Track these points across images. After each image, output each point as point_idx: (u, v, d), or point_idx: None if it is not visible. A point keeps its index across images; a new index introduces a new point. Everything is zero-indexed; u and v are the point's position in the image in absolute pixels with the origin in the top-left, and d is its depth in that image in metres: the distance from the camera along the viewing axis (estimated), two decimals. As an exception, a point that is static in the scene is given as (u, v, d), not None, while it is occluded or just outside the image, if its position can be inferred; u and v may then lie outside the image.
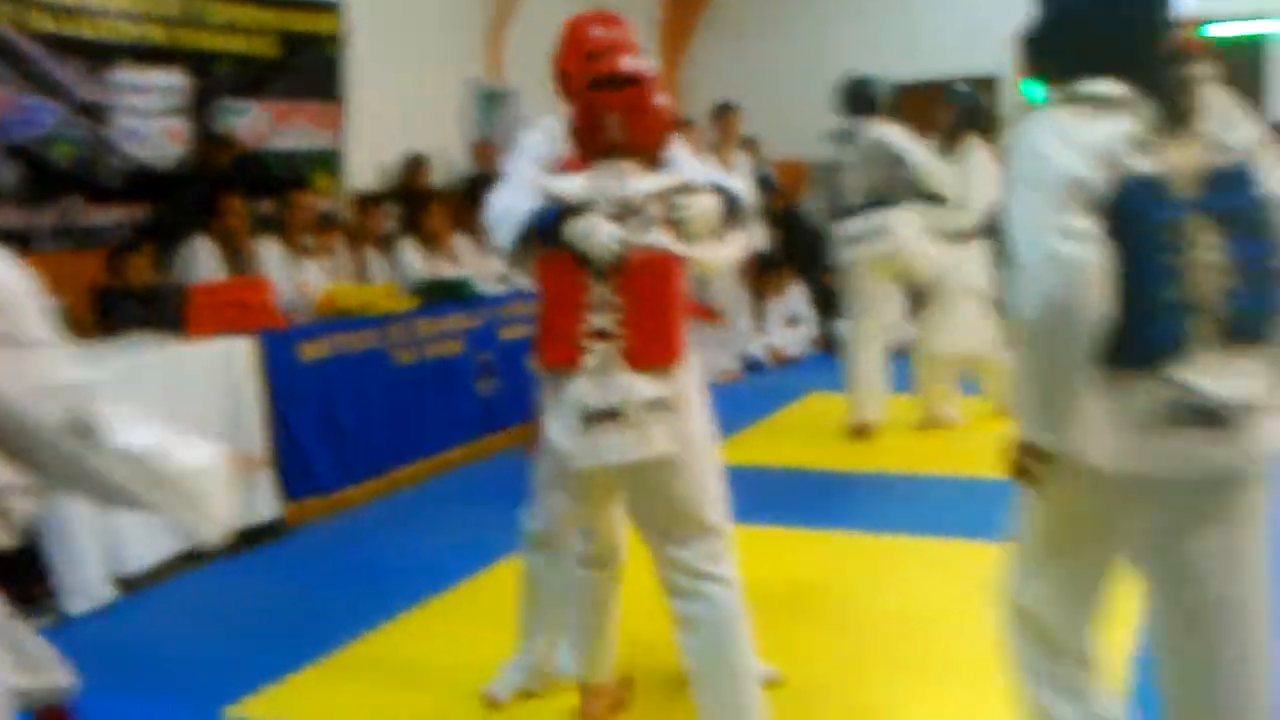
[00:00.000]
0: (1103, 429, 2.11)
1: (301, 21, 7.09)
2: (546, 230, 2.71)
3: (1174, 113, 2.10)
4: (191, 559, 4.65)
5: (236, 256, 5.80)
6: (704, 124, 8.69)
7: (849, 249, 6.32)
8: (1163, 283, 2.05)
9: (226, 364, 5.01)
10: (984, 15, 10.53)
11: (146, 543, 4.52)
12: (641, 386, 2.65)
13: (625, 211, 2.70)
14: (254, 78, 6.83)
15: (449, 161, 8.53)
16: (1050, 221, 2.04)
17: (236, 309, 5.25)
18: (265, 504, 5.07)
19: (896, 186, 6.16)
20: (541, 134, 3.09)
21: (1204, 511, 2.14)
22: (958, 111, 6.50)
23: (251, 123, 6.82)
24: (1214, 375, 2.06)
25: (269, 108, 6.94)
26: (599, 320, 2.68)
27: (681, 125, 8.24)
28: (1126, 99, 2.11)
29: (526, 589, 3.35)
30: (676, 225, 2.72)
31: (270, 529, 5.06)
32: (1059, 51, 2.23)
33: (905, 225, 6.11)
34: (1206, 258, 2.05)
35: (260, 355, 5.13)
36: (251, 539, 4.89)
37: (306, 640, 3.87)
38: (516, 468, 6.02)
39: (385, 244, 6.90)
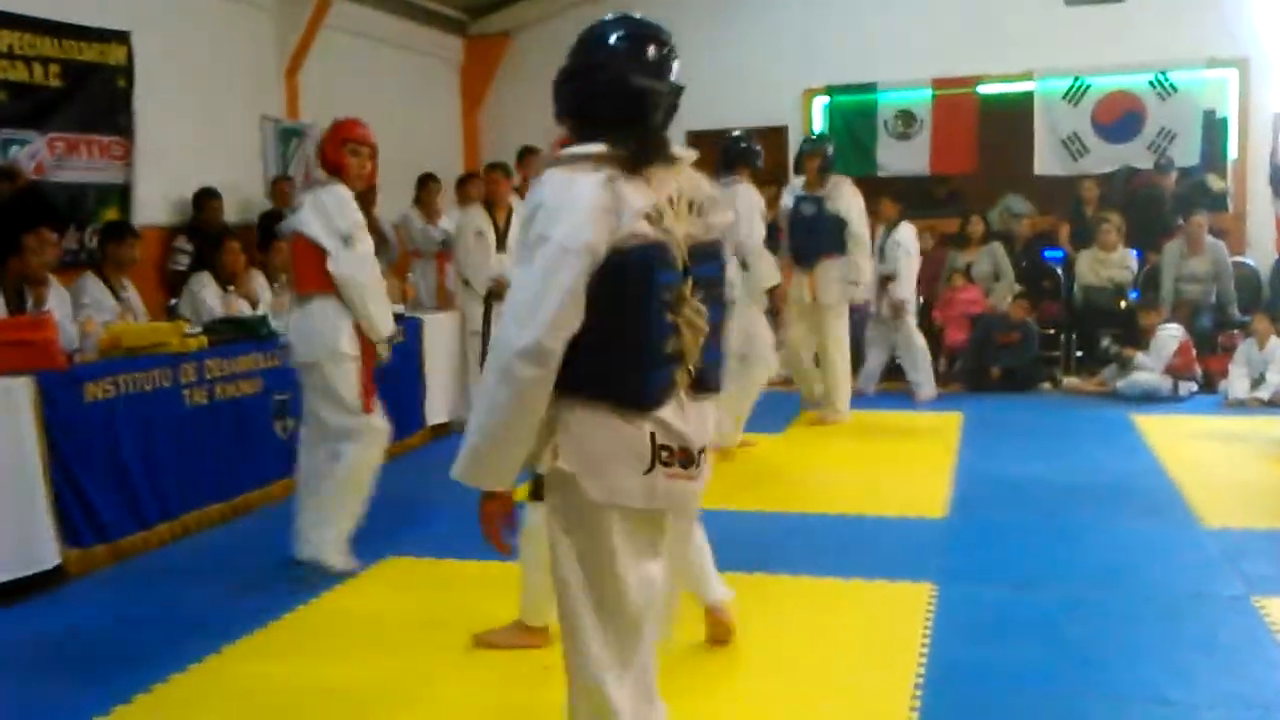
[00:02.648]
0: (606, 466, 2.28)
1: (86, 51, 6.91)
2: None
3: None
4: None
5: (18, 294, 5.56)
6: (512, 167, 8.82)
7: None
8: (668, 337, 2.25)
9: (5, 404, 4.79)
10: (775, 71, 11.09)
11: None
12: None
13: None
14: (36, 108, 6.61)
15: (246, 198, 8.40)
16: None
17: (14, 348, 5.03)
18: (43, 550, 4.83)
19: None
20: None
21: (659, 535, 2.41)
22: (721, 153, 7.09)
23: (33, 154, 6.59)
24: (683, 420, 2.30)
25: (52, 139, 6.72)
26: None
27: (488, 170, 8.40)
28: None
29: None
30: None
31: (48, 577, 4.83)
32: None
33: None
34: (699, 318, 2.29)
35: (39, 395, 4.90)
36: (27, 588, 4.68)
37: (84, 695, 3.70)
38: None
39: (179, 281, 6.74)
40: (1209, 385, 8.93)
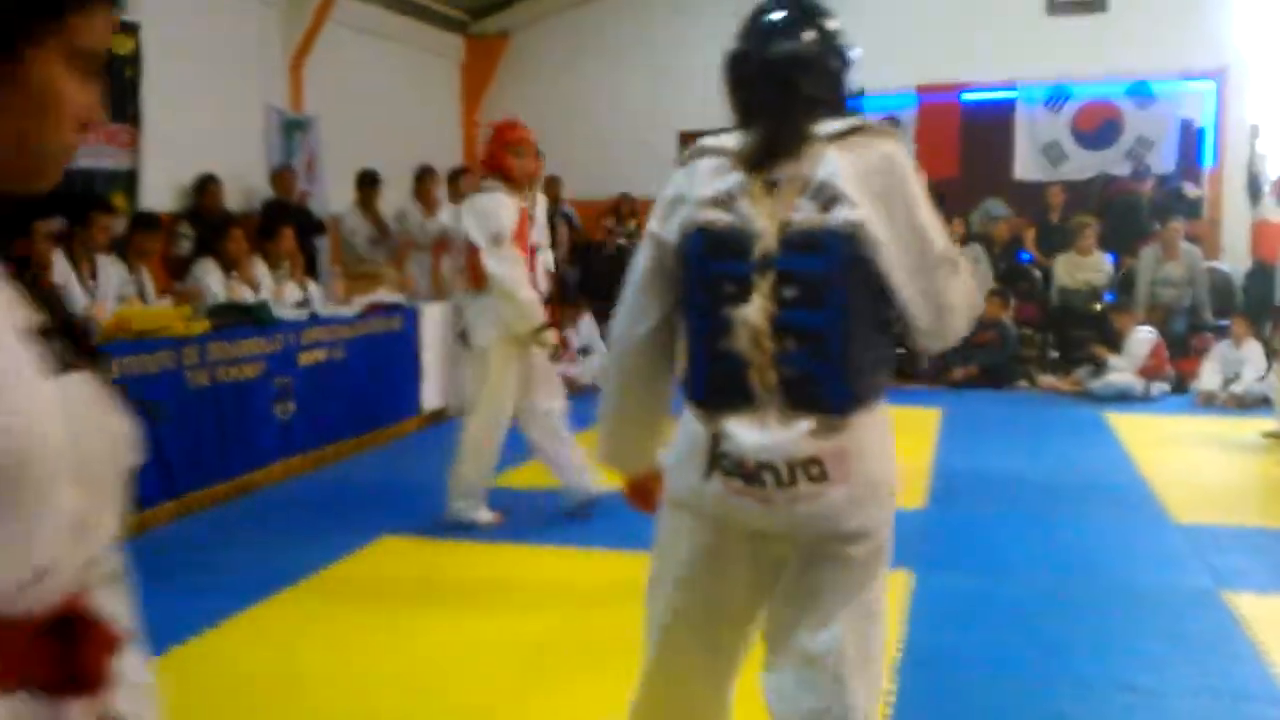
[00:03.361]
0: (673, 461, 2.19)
1: (95, 39, 6.97)
2: None
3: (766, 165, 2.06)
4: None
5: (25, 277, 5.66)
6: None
7: None
8: (720, 332, 2.03)
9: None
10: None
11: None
12: None
13: None
14: (44, 94, 6.68)
15: (249, 187, 8.47)
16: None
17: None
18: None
19: None
20: None
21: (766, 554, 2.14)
22: None
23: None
24: (753, 429, 2.02)
25: (60, 125, 6.79)
26: None
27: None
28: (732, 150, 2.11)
29: None
30: None
31: (55, 552, 4.93)
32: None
33: None
34: (756, 315, 2.00)
35: (46, 375, 4.99)
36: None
37: None
38: (317, 491, 6.14)
39: (181, 266, 6.82)
40: (1180, 387, 9.13)
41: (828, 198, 2.00)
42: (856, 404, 2.02)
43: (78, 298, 5.92)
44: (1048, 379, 9.75)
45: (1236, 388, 8.64)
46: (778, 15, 2.19)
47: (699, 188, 2.09)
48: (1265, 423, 7.56)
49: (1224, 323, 9.36)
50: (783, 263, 2.00)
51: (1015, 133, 11.17)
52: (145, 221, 6.88)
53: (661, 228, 2.14)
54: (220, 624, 4.16)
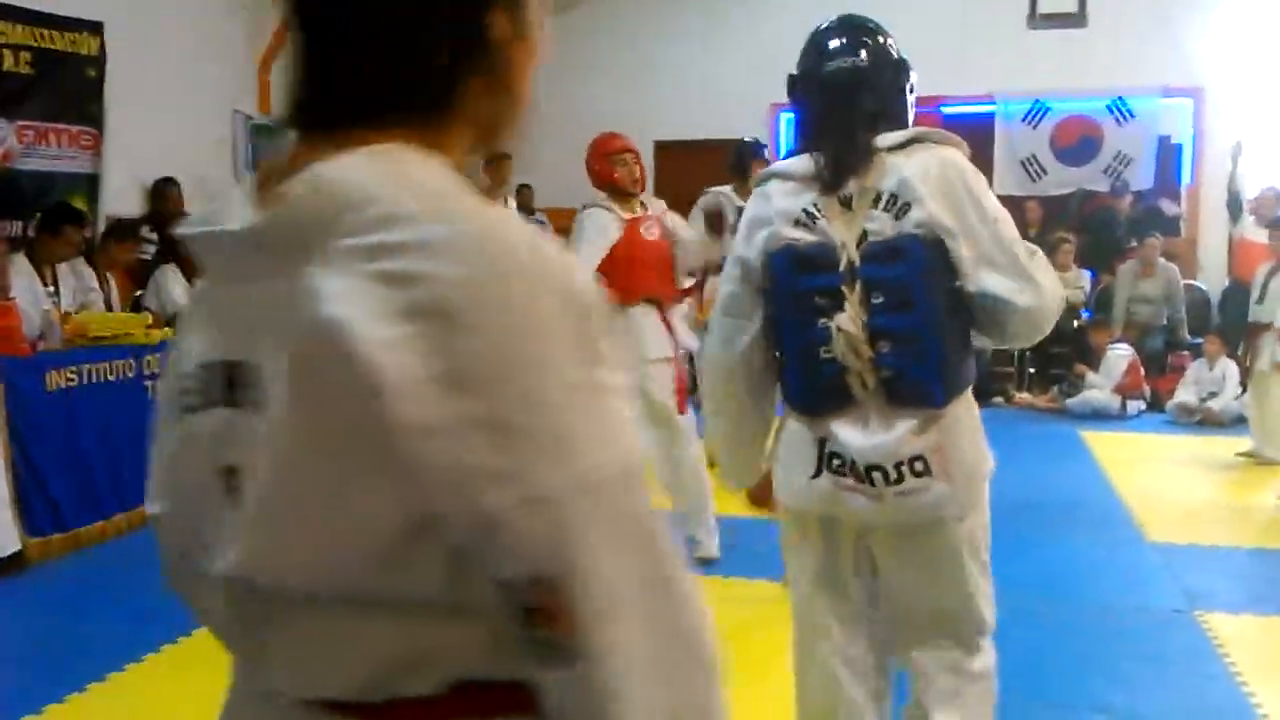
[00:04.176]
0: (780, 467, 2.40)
1: (59, 40, 6.88)
2: None
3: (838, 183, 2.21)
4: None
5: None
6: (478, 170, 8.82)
7: None
8: (817, 342, 2.19)
9: (-35, 390, 4.77)
10: (743, 85, 11.14)
11: None
12: None
13: None
14: (6, 95, 6.58)
15: (215, 193, 8.35)
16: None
17: (-24, 333, 5.01)
18: (4, 538, 4.80)
19: None
20: None
21: (876, 548, 2.37)
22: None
23: (0, 140, 6.56)
24: (858, 432, 2.21)
25: (21, 126, 6.68)
26: None
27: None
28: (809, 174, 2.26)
29: None
30: None
31: (7, 564, 4.80)
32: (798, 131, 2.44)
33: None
34: (850, 323, 2.17)
35: (1, 381, 4.88)
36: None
37: (45, 681, 3.67)
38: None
39: (144, 271, 6.71)
40: (1156, 405, 9.12)
41: (899, 206, 2.16)
42: (952, 394, 2.21)
43: (40, 301, 5.80)
44: (1023, 395, 9.72)
45: (1215, 404, 8.62)
46: (833, 36, 2.34)
47: (778, 207, 2.24)
48: (1241, 442, 7.55)
49: (1200, 341, 9.35)
50: (867, 272, 2.16)
51: (995, 147, 11.15)
52: (119, 230, 6.78)
53: (746, 250, 2.29)
54: (180, 641, 4.04)
